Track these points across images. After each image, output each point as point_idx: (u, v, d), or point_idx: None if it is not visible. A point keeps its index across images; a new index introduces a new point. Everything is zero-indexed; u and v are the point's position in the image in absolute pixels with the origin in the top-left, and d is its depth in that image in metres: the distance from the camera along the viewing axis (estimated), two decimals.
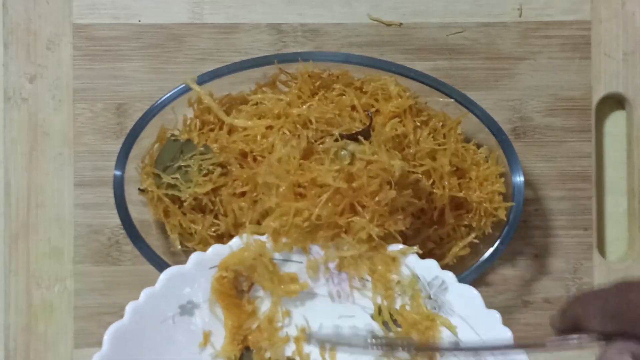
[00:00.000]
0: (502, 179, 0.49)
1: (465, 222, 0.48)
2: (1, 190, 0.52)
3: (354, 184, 0.43)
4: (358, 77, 0.49)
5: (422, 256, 0.44)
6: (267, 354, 0.44)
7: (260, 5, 0.53)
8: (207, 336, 0.43)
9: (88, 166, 0.52)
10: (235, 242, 0.43)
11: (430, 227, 0.48)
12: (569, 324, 0.38)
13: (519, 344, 0.40)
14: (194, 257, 0.42)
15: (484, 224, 0.48)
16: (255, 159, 0.47)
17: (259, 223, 0.44)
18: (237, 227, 0.46)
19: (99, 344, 0.51)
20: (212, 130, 0.48)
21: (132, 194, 0.48)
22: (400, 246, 0.43)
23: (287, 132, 0.46)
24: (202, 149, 0.47)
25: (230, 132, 0.48)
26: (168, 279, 0.42)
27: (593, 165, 0.53)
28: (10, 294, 0.52)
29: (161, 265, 0.47)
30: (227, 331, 0.43)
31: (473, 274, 0.47)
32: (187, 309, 0.42)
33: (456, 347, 0.42)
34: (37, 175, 0.52)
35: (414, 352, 0.43)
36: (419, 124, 0.49)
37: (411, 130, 0.48)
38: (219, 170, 0.47)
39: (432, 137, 0.48)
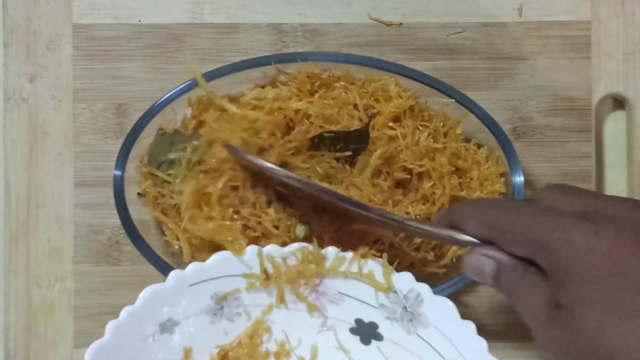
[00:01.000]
0: (503, 179, 0.49)
1: None
2: (1, 190, 0.52)
3: None
4: (358, 77, 0.50)
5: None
6: None
7: (260, 5, 0.53)
8: (187, 352, 0.43)
9: (88, 166, 0.52)
10: (214, 259, 0.43)
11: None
12: (447, 222, 0.38)
13: (381, 214, 0.40)
14: (173, 275, 0.42)
15: None
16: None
17: None
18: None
19: None
20: None
21: (132, 194, 0.48)
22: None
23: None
24: (193, 137, 0.47)
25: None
26: (148, 297, 0.42)
27: (593, 165, 0.53)
28: (10, 294, 0.52)
29: (161, 265, 0.47)
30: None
31: None
32: (167, 327, 0.42)
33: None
34: (37, 175, 0.52)
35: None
36: (420, 128, 0.49)
37: (409, 132, 0.48)
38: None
39: (432, 137, 0.49)
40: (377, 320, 0.43)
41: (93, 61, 0.53)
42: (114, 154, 0.48)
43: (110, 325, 0.41)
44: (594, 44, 0.54)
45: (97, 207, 0.52)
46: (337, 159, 0.46)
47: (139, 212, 0.48)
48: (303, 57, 0.49)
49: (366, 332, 0.44)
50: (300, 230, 0.45)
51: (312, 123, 0.47)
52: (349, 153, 0.46)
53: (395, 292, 0.43)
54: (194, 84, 0.48)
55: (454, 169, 0.48)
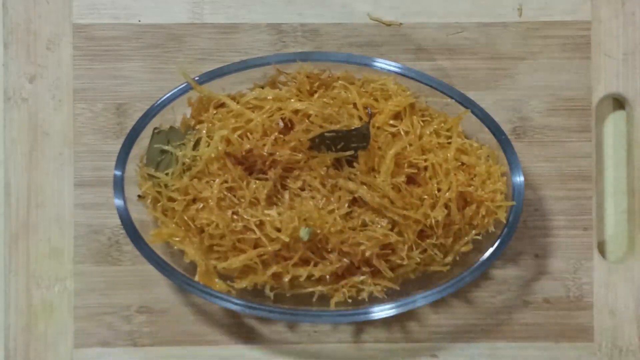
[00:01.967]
0: (504, 178, 0.49)
1: (474, 222, 0.48)
2: (1, 190, 0.52)
3: None
4: (358, 77, 0.50)
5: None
6: None
7: (260, 5, 0.53)
8: None
9: (88, 166, 0.52)
10: None
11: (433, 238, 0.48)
12: None
13: None
14: None
15: (487, 222, 0.48)
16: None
17: None
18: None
19: (99, 344, 0.52)
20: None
21: (132, 194, 0.48)
22: None
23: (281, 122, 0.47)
24: (189, 133, 0.48)
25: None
26: None
27: (593, 165, 0.53)
28: (10, 294, 0.52)
29: (161, 265, 0.47)
30: None
31: (473, 273, 0.47)
32: None
33: None
34: (37, 175, 0.52)
35: None
36: (422, 123, 0.49)
37: (412, 128, 0.48)
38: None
39: (436, 133, 0.49)
40: None
41: (93, 61, 0.53)
42: (114, 154, 0.48)
43: None
44: (594, 44, 0.54)
45: (97, 207, 0.52)
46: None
47: (139, 212, 0.48)
48: (303, 57, 0.49)
49: None
50: (304, 232, 0.45)
51: (312, 122, 0.47)
52: (350, 153, 0.46)
53: None
54: None
55: (460, 164, 0.48)
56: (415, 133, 0.48)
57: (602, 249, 0.54)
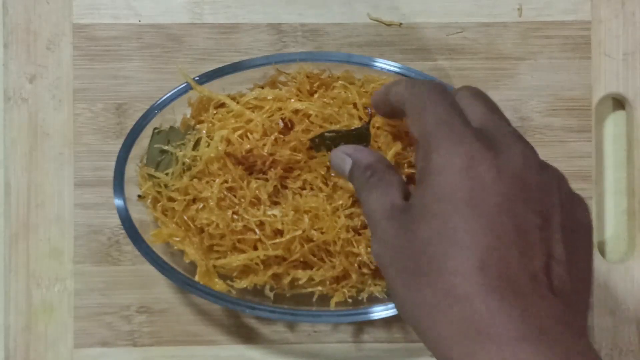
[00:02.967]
0: None
1: None
2: (1, 190, 0.52)
3: None
4: (358, 77, 0.50)
5: None
6: None
7: (260, 5, 0.53)
8: None
9: (88, 166, 0.52)
10: None
11: None
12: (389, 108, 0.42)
13: None
14: None
15: None
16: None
17: None
18: None
19: (99, 343, 0.52)
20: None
21: (132, 194, 0.48)
22: None
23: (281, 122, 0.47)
24: (188, 133, 0.47)
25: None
26: None
27: (593, 165, 0.53)
28: (10, 294, 0.52)
29: (161, 265, 0.47)
30: None
31: None
32: None
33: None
34: (37, 175, 0.52)
35: None
36: None
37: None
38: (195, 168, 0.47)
39: None
40: None
41: (93, 61, 0.53)
42: (114, 154, 0.48)
43: None
44: (594, 44, 0.54)
45: (97, 207, 0.52)
46: None
47: (139, 212, 0.48)
48: (303, 57, 0.49)
49: None
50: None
51: (312, 122, 0.47)
52: None
53: None
54: None
55: None
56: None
57: (602, 249, 0.54)
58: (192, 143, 0.47)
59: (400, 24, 0.53)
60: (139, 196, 0.48)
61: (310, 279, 0.46)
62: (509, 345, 0.30)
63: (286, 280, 0.46)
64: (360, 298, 0.48)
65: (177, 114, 0.49)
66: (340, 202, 0.46)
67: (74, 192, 0.52)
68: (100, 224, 0.52)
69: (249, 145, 0.46)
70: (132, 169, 0.48)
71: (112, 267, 0.52)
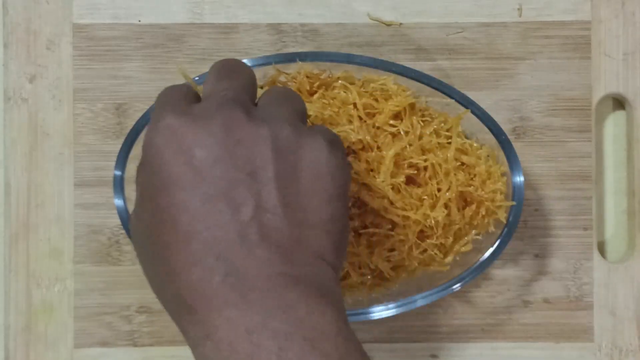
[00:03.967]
0: (504, 178, 0.49)
1: (474, 222, 0.48)
2: (1, 190, 0.52)
3: None
4: (358, 77, 0.49)
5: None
6: None
7: (260, 5, 0.53)
8: None
9: (88, 166, 0.52)
10: None
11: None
12: None
13: None
14: None
15: (487, 222, 0.48)
16: None
17: None
18: None
19: (99, 343, 0.52)
20: None
21: (132, 194, 0.48)
22: None
23: None
24: None
25: None
26: None
27: (593, 165, 0.53)
28: (10, 294, 0.52)
29: None
30: None
31: (472, 274, 0.47)
32: None
33: None
34: (37, 175, 0.52)
35: None
36: (422, 123, 0.49)
37: (411, 127, 0.48)
38: None
39: (436, 133, 0.49)
40: None
41: (93, 61, 0.53)
42: (114, 154, 0.47)
43: None
44: (594, 44, 0.54)
45: (97, 207, 0.52)
46: None
47: None
48: (303, 57, 0.49)
49: None
50: None
51: (311, 124, 0.47)
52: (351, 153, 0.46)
53: None
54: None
55: (459, 163, 0.48)
56: (415, 133, 0.48)
57: (602, 249, 0.54)
58: None
59: (400, 24, 0.53)
60: None
61: None
62: (215, 313, 0.31)
63: None
64: (360, 298, 0.48)
65: None
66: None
67: (74, 192, 0.52)
68: (100, 224, 0.52)
69: None
70: (132, 169, 0.48)
71: (112, 267, 0.52)
